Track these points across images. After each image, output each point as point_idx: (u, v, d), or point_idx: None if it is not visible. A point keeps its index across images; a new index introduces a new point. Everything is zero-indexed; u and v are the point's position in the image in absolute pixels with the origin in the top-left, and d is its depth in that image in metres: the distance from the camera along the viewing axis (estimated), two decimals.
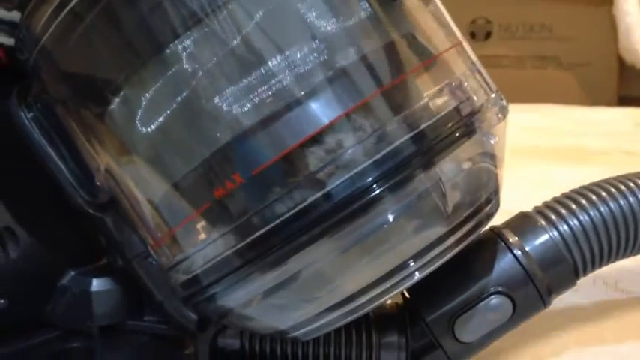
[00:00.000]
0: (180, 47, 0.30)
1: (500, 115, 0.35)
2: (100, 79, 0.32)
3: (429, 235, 0.32)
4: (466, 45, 0.35)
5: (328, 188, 0.30)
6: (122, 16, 0.31)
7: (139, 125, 0.31)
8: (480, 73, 0.35)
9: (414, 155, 0.30)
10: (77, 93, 0.33)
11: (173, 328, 0.39)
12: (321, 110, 0.30)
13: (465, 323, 0.37)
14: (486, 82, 0.35)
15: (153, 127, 0.31)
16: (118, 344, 0.39)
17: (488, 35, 1.33)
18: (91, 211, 0.36)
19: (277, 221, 0.30)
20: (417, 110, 0.31)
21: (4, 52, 0.36)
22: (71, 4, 0.31)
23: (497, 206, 0.36)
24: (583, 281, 0.51)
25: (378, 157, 0.30)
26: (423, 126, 0.31)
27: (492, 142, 0.34)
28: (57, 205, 0.37)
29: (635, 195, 0.39)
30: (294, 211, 0.30)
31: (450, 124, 0.31)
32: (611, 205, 0.39)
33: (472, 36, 1.33)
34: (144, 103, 0.31)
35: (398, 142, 0.30)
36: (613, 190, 0.39)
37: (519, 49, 1.33)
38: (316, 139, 0.30)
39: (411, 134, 0.31)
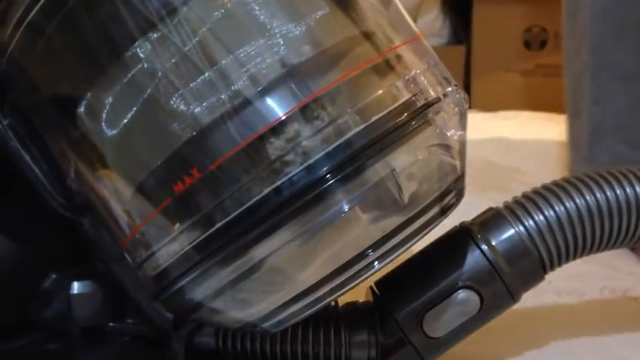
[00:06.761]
0: (137, 52, 0.31)
1: (457, 109, 0.35)
2: (65, 85, 0.34)
3: (386, 224, 0.33)
4: (424, 40, 0.37)
5: (282, 180, 0.31)
6: (80, 25, 0.32)
7: (103, 128, 0.33)
8: (438, 67, 0.36)
9: (366, 146, 0.31)
10: (45, 99, 0.35)
11: (154, 329, 0.40)
12: (273, 106, 0.31)
13: (433, 319, 0.38)
14: (444, 77, 0.36)
15: (116, 129, 0.32)
16: (99, 345, 0.40)
17: (543, 44, 1.27)
18: (67, 213, 0.38)
19: (233, 215, 0.31)
20: (369, 102, 0.32)
21: None
22: (31, 15, 0.32)
23: (459, 197, 0.37)
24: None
25: (330, 148, 0.31)
26: (374, 118, 0.32)
27: (449, 134, 0.35)
28: (37, 208, 0.38)
29: (602, 191, 0.39)
30: (249, 203, 0.31)
31: (402, 116, 0.32)
32: (577, 200, 0.38)
33: (526, 45, 1.27)
34: (107, 107, 0.32)
35: (350, 134, 0.31)
36: (580, 185, 0.39)
37: None
38: (269, 135, 0.31)
39: (363, 126, 0.31)
